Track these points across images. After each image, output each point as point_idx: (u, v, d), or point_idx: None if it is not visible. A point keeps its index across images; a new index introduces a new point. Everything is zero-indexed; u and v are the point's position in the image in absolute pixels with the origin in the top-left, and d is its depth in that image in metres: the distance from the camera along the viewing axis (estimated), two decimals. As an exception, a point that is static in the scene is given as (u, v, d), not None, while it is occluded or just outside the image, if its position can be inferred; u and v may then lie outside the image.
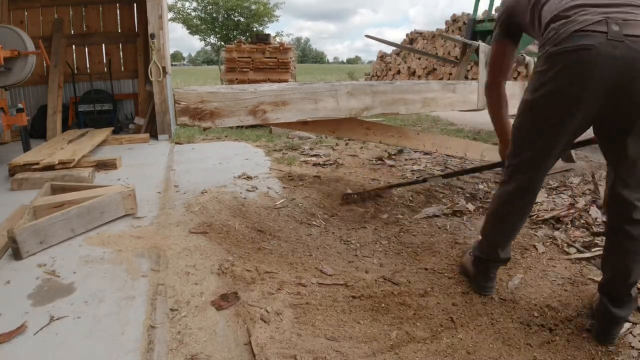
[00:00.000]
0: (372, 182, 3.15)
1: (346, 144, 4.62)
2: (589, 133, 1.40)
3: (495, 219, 1.58)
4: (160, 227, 2.28)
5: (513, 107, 2.85)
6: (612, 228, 1.35)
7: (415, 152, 4.11)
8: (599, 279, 1.70)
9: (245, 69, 6.27)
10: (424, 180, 2.54)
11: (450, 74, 11.11)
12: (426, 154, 4.08)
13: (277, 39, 13.08)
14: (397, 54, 14.14)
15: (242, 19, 20.34)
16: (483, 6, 5.66)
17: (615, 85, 1.17)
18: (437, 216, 2.50)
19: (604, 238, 1.99)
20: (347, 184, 3.03)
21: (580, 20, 1.20)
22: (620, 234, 1.31)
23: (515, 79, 7.07)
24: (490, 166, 2.23)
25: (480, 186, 3.05)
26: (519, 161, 1.44)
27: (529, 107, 1.37)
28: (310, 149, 4.38)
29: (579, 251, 1.97)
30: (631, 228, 1.28)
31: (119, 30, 5.82)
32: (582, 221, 2.26)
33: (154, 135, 5.16)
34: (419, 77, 12.54)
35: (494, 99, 1.79)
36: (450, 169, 3.53)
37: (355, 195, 2.72)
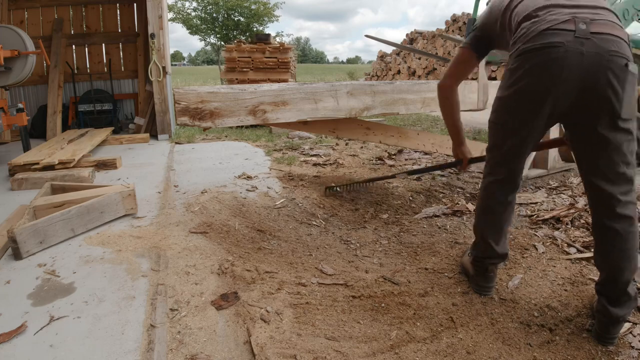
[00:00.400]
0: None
1: (346, 144, 4.62)
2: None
3: (482, 211, 1.63)
4: (160, 227, 2.28)
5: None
6: (598, 226, 1.36)
7: (415, 152, 4.11)
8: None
9: (245, 69, 6.27)
10: (393, 177, 2.70)
11: (450, 74, 11.08)
12: (426, 154, 4.08)
13: (277, 39, 13.08)
14: (397, 54, 14.14)
15: (242, 19, 20.34)
16: (483, 6, 5.66)
17: (583, 80, 1.22)
18: (437, 216, 2.50)
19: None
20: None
21: (549, 20, 1.27)
22: (606, 231, 1.32)
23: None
24: (449, 164, 2.29)
25: (481, 182, 3.04)
26: (496, 154, 1.52)
27: (502, 104, 1.44)
28: (310, 148, 4.38)
29: (579, 251, 1.97)
30: (616, 224, 1.29)
31: (119, 30, 5.83)
32: (582, 221, 2.26)
33: (154, 135, 5.16)
34: (419, 77, 12.54)
35: (447, 102, 1.88)
36: (449, 169, 3.52)
37: (337, 188, 2.80)
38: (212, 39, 21.77)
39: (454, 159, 2.08)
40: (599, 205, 1.33)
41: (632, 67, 1.22)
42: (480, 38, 1.71)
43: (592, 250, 1.92)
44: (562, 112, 1.32)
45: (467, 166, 2.06)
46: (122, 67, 5.88)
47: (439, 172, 3.41)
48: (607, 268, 1.35)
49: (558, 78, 1.24)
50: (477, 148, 2.85)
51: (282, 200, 2.73)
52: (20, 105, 3.71)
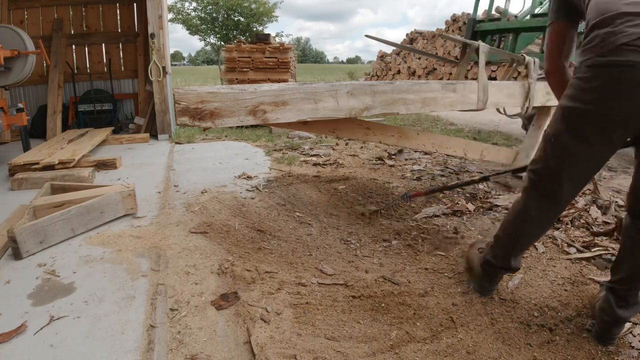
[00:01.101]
0: (372, 180, 3.15)
1: (346, 144, 4.62)
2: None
3: (511, 226, 1.51)
4: (160, 226, 2.28)
5: (512, 108, 2.85)
6: (631, 228, 1.33)
7: (415, 152, 4.11)
8: (599, 279, 1.71)
9: (245, 69, 6.26)
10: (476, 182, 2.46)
11: (450, 74, 11.11)
12: (426, 154, 4.08)
13: (277, 39, 13.08)
14: (397, 54, 14.14)
15: (242, 19, 20.34)
16: (483, 6, 5.67)
17: None
18: (437, 216, 2.50)
19: (607, 239, 1.98)
20: (349, 185, 3.03)
21: (628, 33, 1.14)
22: (633, 226, 1.30)
23: (515, 78, 7.08)
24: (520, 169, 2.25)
25: (480, 186, 3.04)
26: (543, 168, 1.38)
27: (565, 114, 1.30)
28: (310, 148, 4.38)
29: (579, 251, 1.97)
30: None
31: (119, 30, 5.82)
32: (582, 221, 2.26)
33: (154, 135, 5.16)
34: (419, 77, 12.54)
35: (556, 85, 1.60)
36: (450, 169, 3.53)
37: (382, 211, 2.57)
38: (212, 39, 21.78)
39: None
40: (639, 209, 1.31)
41: None
42: (561, 4, 1.49)
43: (592, 250, 1.93)
44: (630, 133, 1.22)
45: None
46: (122, 67, 5.88)
47: (438, 171, 3.41)
48: (629, 270, 1.31)
49: (632, 99, 1.14)
50: (476, 148, 2.85)
51: (282, 200, 2.73)
52: (20, 105, 3.71)
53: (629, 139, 1.28)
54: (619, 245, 1.42)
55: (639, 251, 1.29)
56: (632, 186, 1.35)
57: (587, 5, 1.30)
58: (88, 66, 5.77)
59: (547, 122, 3.01)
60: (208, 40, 22.07)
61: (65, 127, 5.23)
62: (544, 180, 1.38)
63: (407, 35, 14.11)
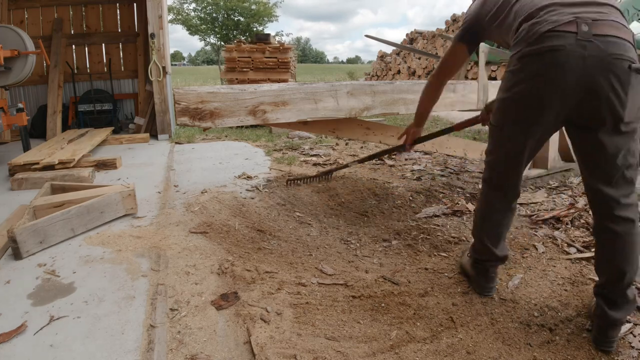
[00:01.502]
0: (372, 180, 3.15)
1: (346, 144, 4.62)
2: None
3: (480, 217, 1.61)
4: (160, 226, 2.28)
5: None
6: (598, 229, 1.35)
7: (415, 151, 4.11)
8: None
9: (245, 69, 6.26)
10: (346, 166, 2.85)
11: (450, 73, 11.08)
12: (426, 153, 4.08)
13: (277, 39, 13.08)
14: (397, 54, 14.14)
15: (242, 19, 20.34)
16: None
17: (585, 84, 1.19)
18: (437, 216, 2.50)
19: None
20: (345, 182, 3.03)
21: (550, 21, 1.22)
22: (606, 233, 1.31)
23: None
24: (395, 148, 2.33)
25: (481, 186, 3.05)
26: (495, 158, 1.49)
27: (502, 106, 1.40)
28: (310, 148, 4.38)
29: (579, 251, 1.97)
30: (616, 226, 1.28)
31: (119, 30, 5.83)
32: (582, 221, 2.26)
33: (154, 135, 5.17)
34: (419, 77, 12.54)
35: (431, 95, 1.89)
36: (450, 169, 3.53)
37: (298, 181, 2.91)
38: (212, 39, 21.78)
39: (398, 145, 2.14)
40: (599, 207, 1.32)
41: (638, 68, 1.17)
42: (469, 29, 1.65)
43: (592, 250, 1.93)
44: (563, 117, 1.28)
45: (412, 145, 2.14)
46: (122, 67, 5.88)
47: (438, 171, 3.41)
48: (608, 271, 1.33)
49: (560, 83, 1.21)
50: (476, 148, 2.85)
51: (282, 200, 2.73)
52: (20, 105, 3.71)
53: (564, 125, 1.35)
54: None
55: (616, 252, 1.30)
56: (584, 185, 1.37)
57: (512, 8, 1.39)
58: (88, 66, 5.78)
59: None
60: (208, 40, 22.08)
61: (65, 127, 5.23)
62: (497, 169, 1.49)
63: (407, 35, 14.11)
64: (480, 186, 2.91)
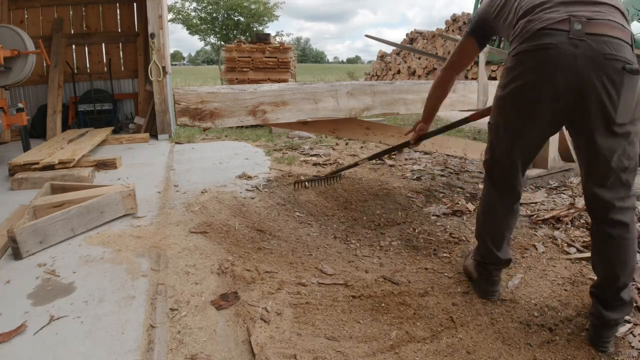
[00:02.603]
0: (372, 180, 3.15)
1: (346, 144, 4.62)
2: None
3: (482, 218, 1.59)
4: (160, 226, 2.28)
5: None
6: (594, 230, 1.34)
7: (415, 151, 4.11)
8: (598, 279, 1.70)
9: (245, 69, 6.26)
10: (356, 165, 2.78)
11: (450, 73, 11.08)
12: (426, 153, 4.08)
13: (277, 39, 13.08)
14: (397, 54, 14.13)
15: (242, 19, 20.33)
16: (483, 6, 5.66)
17: (576, 84, 1.18)
18: (437, 216, 2.50)
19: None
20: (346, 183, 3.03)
21: (544, 18, 1.22)
22: (601, 236, 1.30)
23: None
24: (403, 145, 2.31)
25: (480, 186, 3.05)
26: (491, 157, 1.48)
27: (498, 104, 1.40)
28: (310, 148, 4.38)
29: (579, 251, 1.97)
30: (611, 229, 1.27)
31: (119, 30, 5.83)
32: (582, 221, 2.26)
33: (154, 135, 5.17)
34: (419, 77, 12.53)
35: (440, 90, 1.85)
36: (450, 169, 3.53)
37: (306, 183, 2.86)
38: (212, 39, 21.76)
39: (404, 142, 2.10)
40: (595, 210, 1.31)
41: (632, 69, 1.15)
42: (478, 24, 1.64)
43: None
44: (558, 117, 1.28)
45: (417, 142, 2.11)
46: (122, 67, 5.88)
47: (438, 171, 3.41)
48: (602, 272, 1.33)
49: (550, 82, 1.20)
50: (476, 148, 2.85)
51: (282, 200, 2.73)
52: (20, 105, 3.71)
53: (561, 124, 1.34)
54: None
55: (609, 255, 1.29)
56: (582, 187, 1.35)
57: (514, 5, 1.39)
58: (88, 66, 5.77)
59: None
60: (208, 40, 22.05)
61: (65, 127, 5.23)
62: (495, 171, 1.48)
63: (407, 35, 14.09)
64: (481, 186, 2.91)
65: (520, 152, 1.39)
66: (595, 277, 1.38)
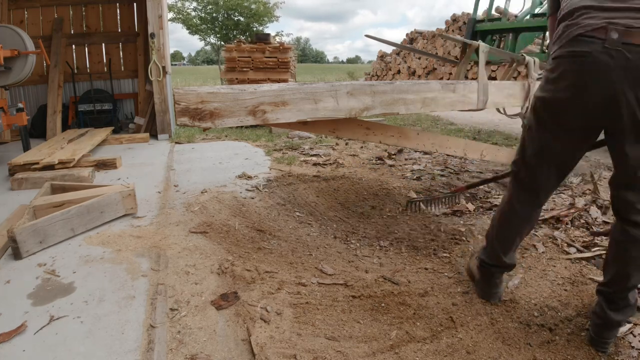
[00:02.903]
0: (372, 180, 3.14)
1: (346, 144, 4.62)
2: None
3: (498, 220, 1.55)
4: (160, 226, 2.28)
5: (512, 108, 2.85)
6: (615, 229, 1.34)
7: (415, 151, 4.11)
8: (599, 279, 1.71)
9: (245, 69, 6.26)
10: (487, 181, 2.41)
11: (450, 73, 11.11)
12: (426, 153, 4.08)
13: (277, 39, 13.08)
14: (397, 54, 14.14)
15: (242, 19, 20.31)
16: (483, 6, 5.67)
17: (609, 96, 1.16)
18: (437, 216, 2.50)
19: (607, 239, 1.98)
20: (356, 184, 3.03)
21: (582, 24, 1.19)
22: (622, 235, 1.30)
23: (515, 78, 7.08)
24: None
25: (480, 186, 3.05)
26: (522, 157, 1.44)
27: (534, 105, 1.37)
28: (310, 148, 4.38)
29: (579, 251, 1.97)
30: (631, 229, 1.27)
31: (119, 30, 5.82)
32: (582, 221, 2.26)
33: (154, 135, 5.16)
34: (419, 76, 12.54)
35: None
36: (450, 169, 3.53)
37: (420, 203, 2.56)
38: (212, 39, 21.74)
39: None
40: (617, 208, 1.31)
41: None
42: (552, 2, 1.55)
43: (592, 250, 1.93)
44: (590, 125, 1.26)
45: None
46: (122, 67, 5.88)
47: (438, 171, 3.41)
48: (614, 270, 1.32)
49: (584, 90, 1.19)
50: (476, 148, 2.85)
51: (282, 200, 2.73)
52: (20, 105, 3.71)
53: (599, 136, 1.31)
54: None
55: (624, 254, 1.29)
56: (609, 184, 1.34)
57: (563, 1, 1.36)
58: (88, 66, 5.77)
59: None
60: (208, 40, 22.03)
61: (65, 127, 5.23)
62: (522, 172, 1.44)
63: (407, 35, 14.10)
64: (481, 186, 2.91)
65: (550, 157, 1.35)
66: (603, 276, 1.38)
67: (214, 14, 20.54)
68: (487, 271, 1.60)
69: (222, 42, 20.35)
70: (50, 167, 3.18)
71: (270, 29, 32.58)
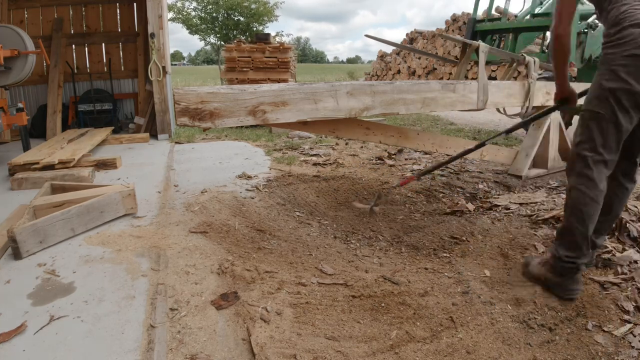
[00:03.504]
0: (372, 180, 3.15)
1: (346, 144, 4.62)
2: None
3: (580, 208, 1.56)
4: (160, 226, 2.28)
5: (512, 108, 2.85)
6: (619, 183, 1.67)
7: (415, 151, 4.11)
8: (599, 278, 1.70)
9: (245, 69, 6.26)
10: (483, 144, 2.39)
11: (450, 73, 11.11)
12: (426, 153, 4.08)
13: (277, 39, 13.08)
14: (397, 54, 14.14)
15: (242, 19, 20.32)
16: (483, 6, 5.67)
17: None
18: (437, 215, 2.50)
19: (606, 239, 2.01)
20: (353, 184, 3.03)
21: None
22: (623, 187, 1.68)
23: (515, 78, 7.08)
24: (553, 108, 2.09)
25: (480, 186, 3.05)
26: (596, 143, 1.56)
27: (617, 94, 1.50)
28: (310, 148, 4.38)
29: (578, 251, 1.97)
30: (629, 184, 1.69)
31: (119, 30, 5.82)
32: (582, 221, 2.26)
33: (154, 135, 5.16)
34: (419, 76, 12.54)
35: (564, 49, 1.71)
36: (450, 169, 3.53)
37: (374, 206, 2.48)
38: (212, 39, 21.74)
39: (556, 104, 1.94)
40: (624, 169, 1.66)
41: None
42: None
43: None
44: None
45: (576, 102, 1.93)
46: (122, 67, 5.88)
47: (438, 171, 3.41)
48: (610, 211, 1.69)
49: None
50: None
51: (282, 200, 2.73)
52: (20, 105, 3.71)
53: None
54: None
55: (619, 199, 1.69)
56: (621, 154, 1.59)
57: (614, 7, 1.57)
58: (88, 66, 5.77)
59: (547, 122, 3.02)
60: (208, 40, 22.03)
61: (65, 126, 5.23)
62: (599, 154, 1.56)
63: (407, 35, 14.11)
64: (481, 186, 2.91)
65: (622, 134, 1.55)
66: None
67: (214, 14, 20.54)
68: (572, 267, 1.56)
69: (222, 42, 20.34)
70: (50, 167, 3.18)
71: (270, 29, 32.56)
